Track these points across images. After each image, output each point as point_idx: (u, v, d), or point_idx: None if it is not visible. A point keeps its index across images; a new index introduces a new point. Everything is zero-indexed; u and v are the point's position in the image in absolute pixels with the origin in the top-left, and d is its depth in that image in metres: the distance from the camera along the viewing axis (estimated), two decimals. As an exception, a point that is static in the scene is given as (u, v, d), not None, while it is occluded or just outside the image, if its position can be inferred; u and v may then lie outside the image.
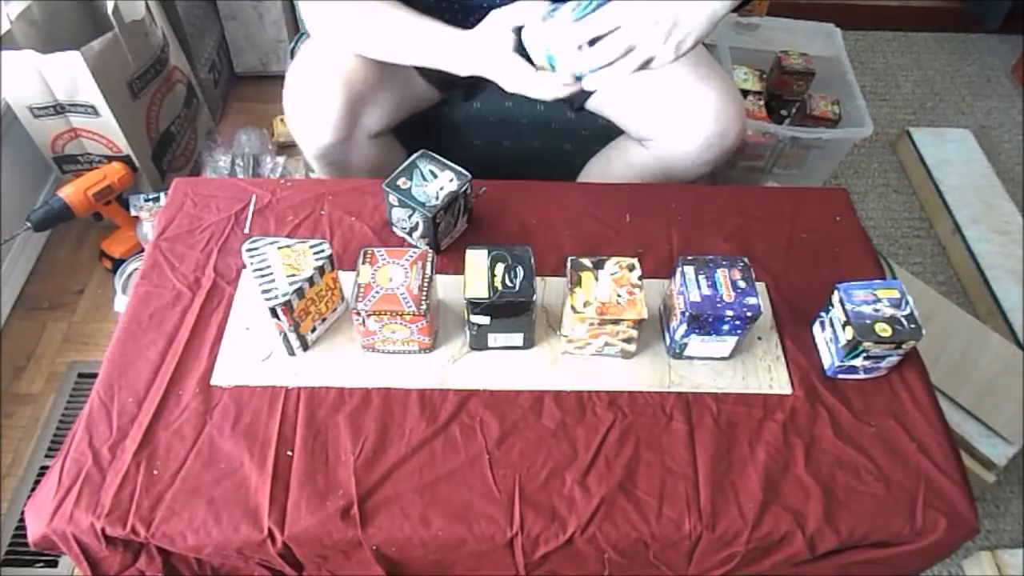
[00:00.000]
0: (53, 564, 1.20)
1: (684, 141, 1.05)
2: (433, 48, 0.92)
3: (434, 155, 0.94)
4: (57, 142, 1.46)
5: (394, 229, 0.98)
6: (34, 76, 1.34)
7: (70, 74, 1.33)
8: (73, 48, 1.30)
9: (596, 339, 0.84)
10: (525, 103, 1.21)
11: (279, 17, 1.86)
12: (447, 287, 0.91)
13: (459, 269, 0.83)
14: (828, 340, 0.86)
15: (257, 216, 1.00)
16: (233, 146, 1.70)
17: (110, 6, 1.37)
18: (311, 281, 0.81)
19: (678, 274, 0.84)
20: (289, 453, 0.78)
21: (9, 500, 1.26)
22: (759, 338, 0.90)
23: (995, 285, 1.55)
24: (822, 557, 0.78)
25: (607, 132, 1.19)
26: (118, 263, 1.51)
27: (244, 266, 0.91)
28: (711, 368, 0.87)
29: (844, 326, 0.81)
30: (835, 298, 0.84)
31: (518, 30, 0.85)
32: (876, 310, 0.81)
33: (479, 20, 0.90)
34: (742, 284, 0.82)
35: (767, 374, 0.86)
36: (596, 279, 0.82)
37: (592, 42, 0.79)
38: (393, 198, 0.91)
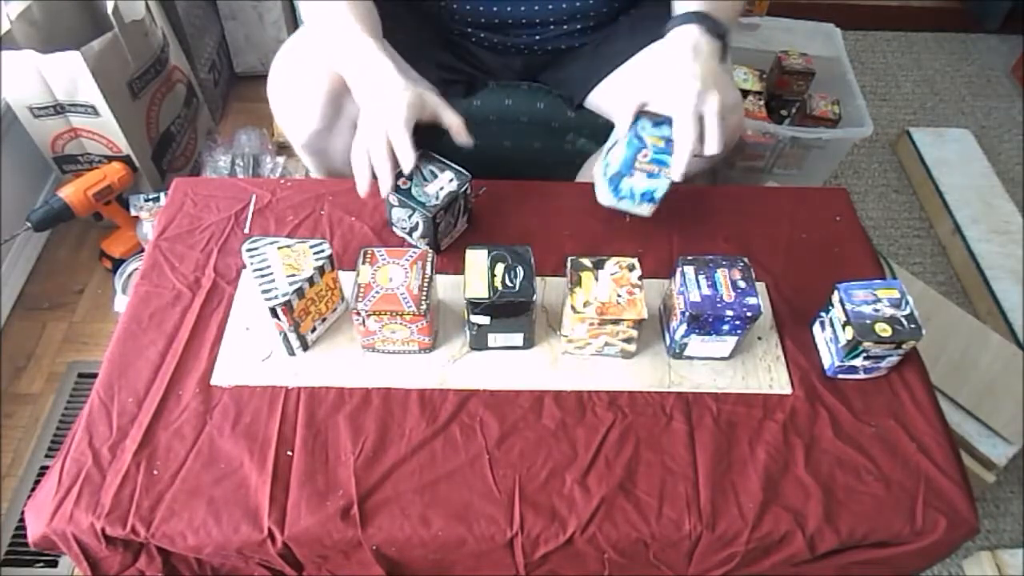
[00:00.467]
0: (53, 564, 1.20)
1: None
2: (344, 62, 0.91)
3: (434, 155, 0.93)
4: (57, 142, 1.46)
5: (394, 229, 0.98)
6: (34, 76, 1.34)
7: (70, 74, 1.34)
8: (73, 48, 1.31)
9: (596, 339, 0.84)
10: (525, 100, 1.21)
11: (279, 17, 1.86)
12: (447, 287, 0.91)
13: (459, 269, 0.83)
14: (828, 340, 0.86)
15: (257, 216, 1.00)
16: (233, 146, 1.70)
17: (110, 6, 1.37)
18: (311, 281, 0.81)
19: (678, 274, 0.84)
20: (289, 453, 0.78)
21: (9, 500, 1.26)
22: (759, 338, 0.90)
23: (995, 285, 1.55)
24: (822, 557, 0.78)
25: (607, 131, 1.18)
26: (118, 263, 1.51)
27: (244, 266, 0.91)
28: (711, 368, 0.87)
29: (844, 326, 0.81)
30: (835, 298, 0.84)
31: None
32: (876, 310, 0.81)
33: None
34: (742, 284, 0.82)
35: (767, 374, 0.86)
36: (596, 279, 0.82)
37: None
38: (393, 198, 0.91)
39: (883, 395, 0.85)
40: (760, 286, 0.94)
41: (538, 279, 0.83)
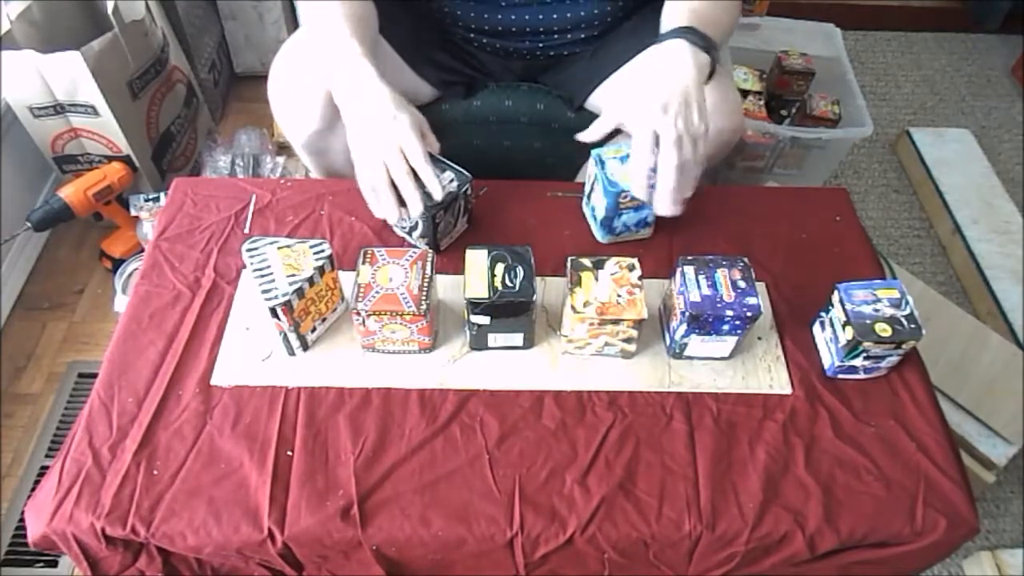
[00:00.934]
0: (53, 564, 1.20)
1: None
2: (337, 84, 0.90)
3: (434, 155, 0.93)
4: (57, 142, 1.47)
5: (394, 229, 0.98)
6: (34, 76, 1.34)
7: (70, 74, 1.34)
8: (73, 48, 1.31)
9: (596, 339, 0.84)
10: (525, 101, 1.21)
11: (279, 17, 1.86)
12: (447, 287, 0.91)
13: (459, 269, 0.83)
14: (828, 340, 0.86)
15: (257, 216, 1.00)
16: (233, 146, 1.70)
17: (110, 6, 1.37)
18: (311, 281, 0.81)
19: (678, 274, 0.84)
20: (289, 453, 0.78)
21: (9, 500, 1.26)
22: (759, 338, 0.90)
23: (995, 285, 1.55)
24: (822, 557, 0.78)
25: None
26: (118, 263, 1.51)
27: (244, 266, 0.91)
28: (711, 368, 0.87)
29: (844, 326, 0.81)
30: (835, 298, 0.84)
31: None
32: (876, 310, 0.81)
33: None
34: (742, 284, 0.82)
35: (767, 374, 0.86)
36: (596, 279, 0.82)
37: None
38: None
39: (883, 395, 0.85)
40: (760, 286, 0.94)
41: (538, 279, 0.83)
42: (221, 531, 0.73)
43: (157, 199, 1.45)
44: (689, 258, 0.85)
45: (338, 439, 0.79)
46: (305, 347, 0.86)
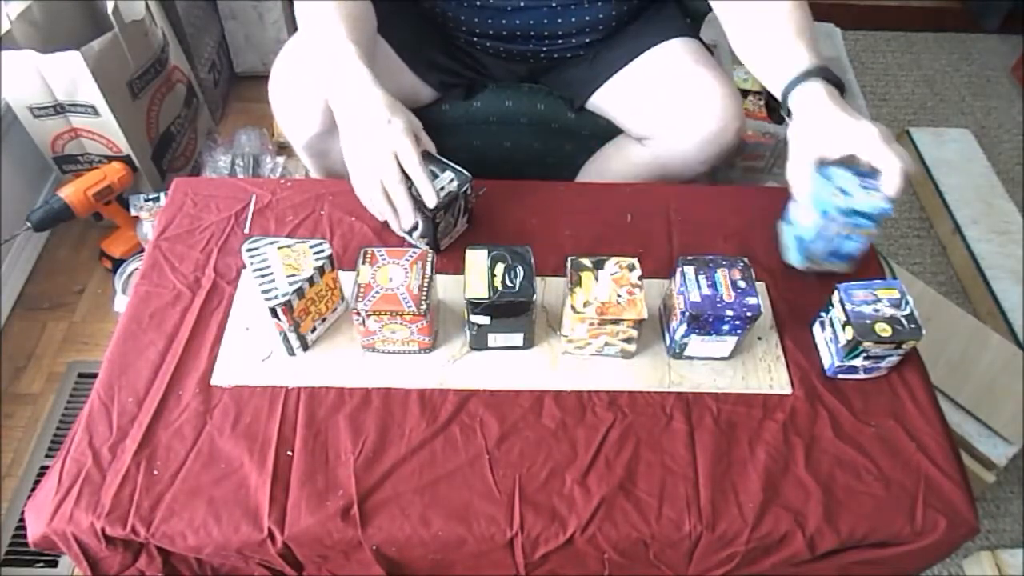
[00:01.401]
0: (53, 564, 1.20)
1: (683, 140, 1.05)
2: (333, 89, 0.90)
3: (435, 155, 0.94)
4: (57, 142, 1.47)
5: (393, 229, 0.98)
6: (34, 76, 1.34)
7: (70, 74, 1.34)
8: (73, 48, 1.31)
9: (596, 339, 0.84)
10: (525, 102, 1.21)
11: (279, 17, 1.86)
12: (447, 287, 0.91)
13: (459, 269, 0.83)
14: (828, 340, 0.86)
15: (257, 216, 1.00)
16: (233, 146, 1.70)
17: (110, 6, 1.37)
18: (311, 281, 0.81)
19: (678, 274, 0.84)
20: (289, 453, 0.78)
21: (9, 500, 1.26)
22: (759, 338, 0.90)
23: (995, 285, 1.55)
24: (822, 557, 0.78)
25: (607, 132, 1.19)
26: (118, 263, 1.51)
27: (244, 266, 0.91)
28: (711, 368, 0.87)
29: (844, 326, 0.81)
30: (835, 298, 0.84)
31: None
32: (876, 310, 0.81)
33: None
34: (742, 284, 0.82)
35: (767, 374, 0.86)
36: (596, 279, 0.82)
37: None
38: None
39: (883, 395, 0.85)
40: (760, 286, 0.94)
41: (538, 279, 0.83)
42: (221, 531, 0.73)
43: (157, 199, 1.45)
44: (689, 258, 0.85)
45: (338, 439, 0.79)
46: (305, 347, 0.86)
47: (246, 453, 0.78)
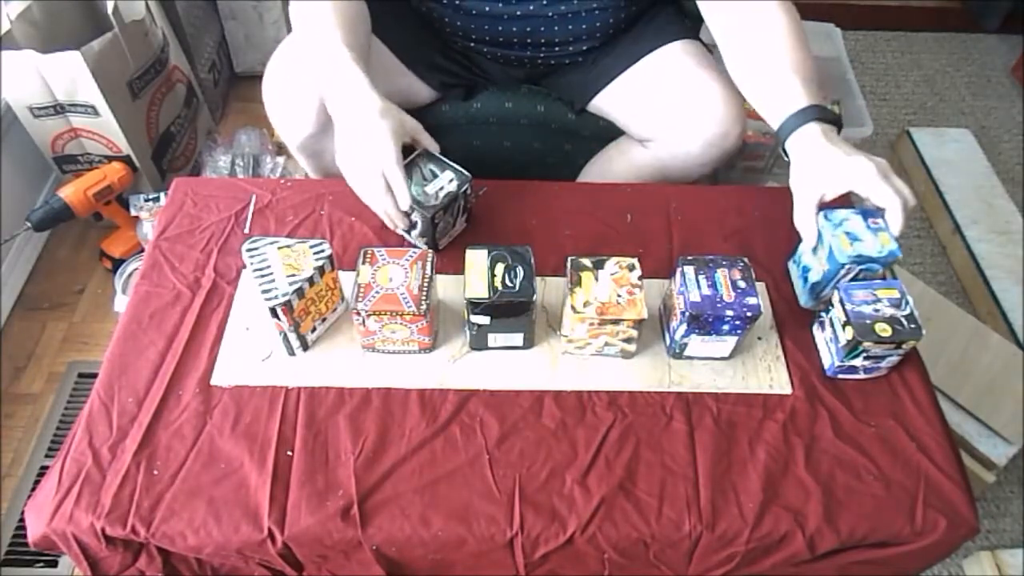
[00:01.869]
0: (53, 564, 1.20)
1: (685, 142, 1.05)
2: (334, 92, 0.90)
3: (434, 154, 0.94)
4: (57, 142, 1.46)
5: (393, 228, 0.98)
6: (34, 76, 1.34)
7: (70, 74, 1.34)
8: (73, 48, 1.30)
9: (596, 339, 0.84)
10: (525, 103, 1.21)
11: (279, 17, 1.86)
12: (447, 287, 0.91)
13: (459, 269, 0.83)
14: (828, 340, 0.86)
15: (257, 216, 1.00)
16: (233, 146, 1.70)
17: (110, 6, 1.37)
18: (311, 281, 0.81)
19: (678, 274, 0.84)
20: (289, 453, 0.78)
21: (9, 500, 1.26)
22: (759, 338, 0.90)
23: (995, 285, 1.55)
24: (822, 557, 0.78)
25: (607, 133, 1.19)
26: (118, 263, 1.51)
27: (244, 266, 0.91)
28: (711, 368, 0.87)
29: (844, 326, 0.81)
30: (835, 298, 0.83)
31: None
32: (876, 310, 0.81)
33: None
34: (742, 284, 0.82)
35: (767, 374, 0.86)
36: (596, 279, 0.82)
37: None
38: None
39: (883, 395, 0.85)
40: (760, 286, 0.94)
41: (538, 279, 0.83)
42: (221, 531, 0.73)
43: (157, 199, 1.45)
44: (689, 258, 0.85)
45: (338, 439, 0.79)
46: (305, 347, 0.86)
47: (246, 453, 0.78)
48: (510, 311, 0.82)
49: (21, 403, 1.38)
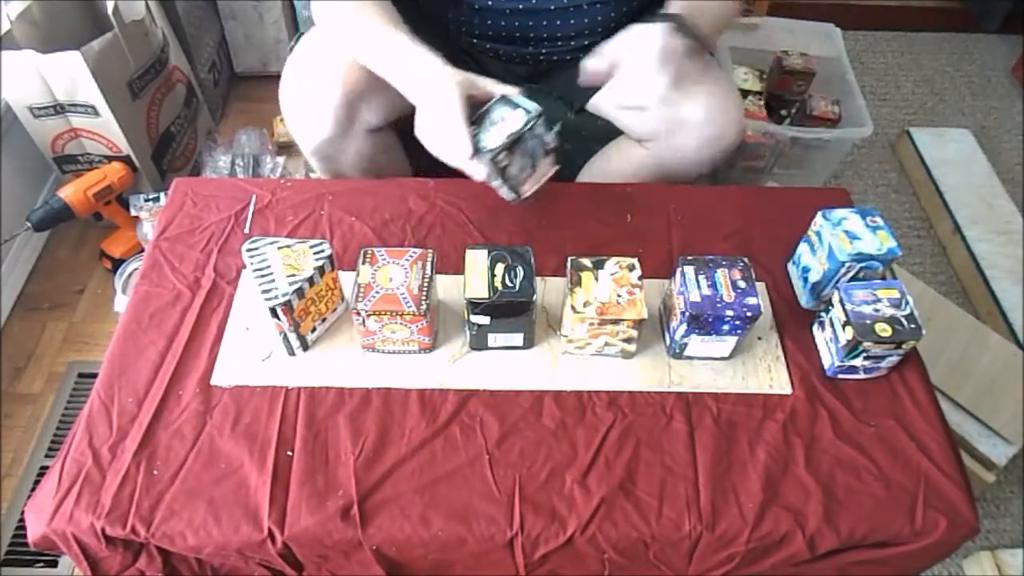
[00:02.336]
0: (53, 564, 1.20)
1: (683, 143, 1.05)
2: (393, 69, 0.92)
3: (513, 97, 0.88)
4: (57, 142, 1.46)
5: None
6: (34, 76, 1.34)
7: (70, 74, 1.33)
8: (73, 48, 1.30)
9: (596, 339, 0.84)
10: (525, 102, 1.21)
11: (279, 17, 1.86)
12: (447, 287, 0.91)
13: (459, 269, 0.83)
14: (828, 340, 0.86)
15: (257, 216, 1.00)
16: (233, 146, 1.70)
17: (110, 6, 1.37)
18: (311, 281, 0.81)
19: (678, 274, 0.84)
20: (289, 453, 0.78)
21: (9, 500, 1.26)
22: (759, 338, 0.90)
23: (995, 285, 1.55)
24: (822, 557, 0.78)
25: (607, 133, 1.18)
26: (118, 263, 1.51)
27: (244, 266, 0.91)
28: (711, 368, 0.87)
29: (844, 326, 0.81)
30: (835, 298, 0.84)
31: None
32: (876, 310, 0.81)
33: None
34: (742, 284, 0.82)
35: (767, 374, 0.86)
36: (596, 279, 0.82)
37: None
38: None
39: (883, 395, 0.85)
40: (760, 286, 0.94)
41: (538, 279, 0.83)
42: (221, 531, 0.73)
43: (157, 199, 1.45)
44: (689, 258, 0.85)
45: (338, 439, 0.79)
46: (305, 347, 0.86)
47: (246, 453, 0.78)
48: (510, 311, 0.82)
49: (21, 403, 1.38)
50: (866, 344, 0.79)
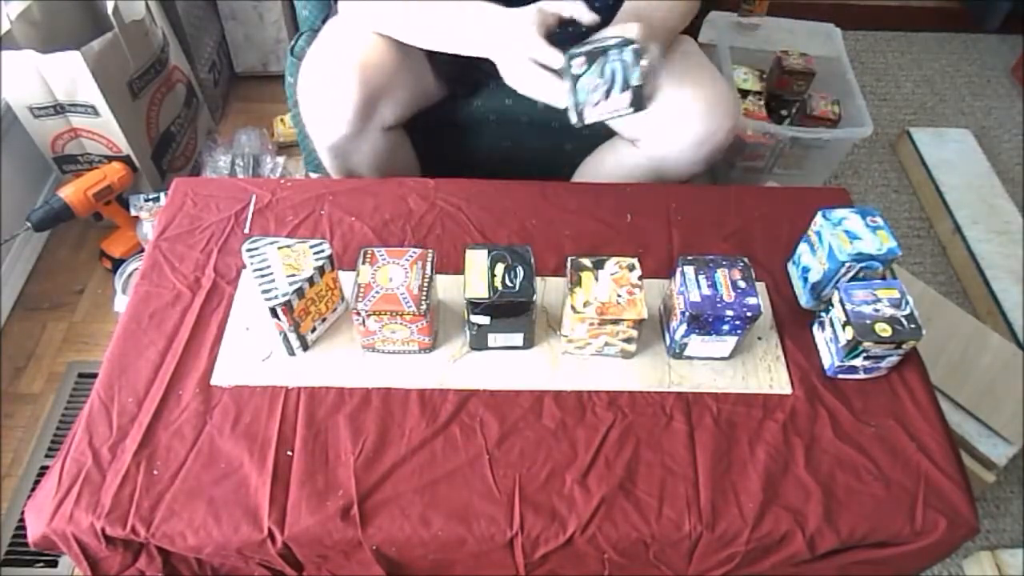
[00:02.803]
0: (53, 564, 1.20)
1: (673, 141, 1.05)
2: (457, 18, 0.92)
3: (594, 32, 0.86)
4: (57, 142, 1.46)
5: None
6: (34, 76, 1.34)
7: (70, 74, 1.33)
8: (73, 48, 1.30)
9: (596, 339, 0.84)
10: (525, 102, 1.21)
11: (279, 17, 1.86)
12: (447, 287, 0.91)
13: (459, 269, 0.83)
14: (828, 340, 0.86)
15: (257, 216, 1.00)
16: (233, 146, 1.70)
17: (110, 6, 1.37)
18: (311, 281, 0.81)
19: (678, 274, 0.84)
20: (289, 453, 0.78)
21: (9, 500, 1.26)
22: (759, 338, 0.90)
23: (995, 285, 1.55)
24: (822, 557, 0.78)
25: (607, 132, 1.18)
26: (118, 263, 1.51)
27: (244, 266, 0.91)
28: (711, 368, 0.87)
29: (844, 326, 0.81)
30: (835, 298, 0.84)
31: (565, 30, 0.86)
32: (876, 310, 0.81)
33: None
34: (742, 284, 0.82)
35: (767, 374, 0.86)
36: (596, 279, 0.82)
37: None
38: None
39: (883, 395, 0.85)
40: (760, 286, 0.94)
41: (538, 279, 0.83)
42: (221, 531, 0.73)
43: (157, 199, 1.45)
44: (689, 258, 0.85)
45: (338, 439, 0.79)
46: (305, 347, 0.86)
47: (246, 453, 0.78)
48: (510, 311, 0.82)
49: (21, 403, 1.38)
50: (866, 344, 0.79)
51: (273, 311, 0.79)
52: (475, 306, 0.81)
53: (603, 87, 0.83)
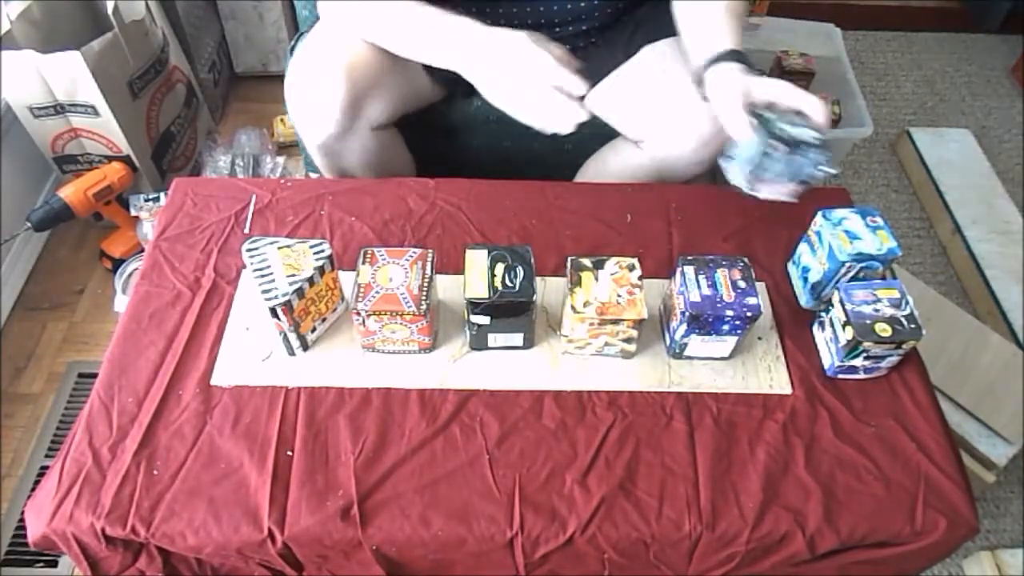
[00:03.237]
0: (53, 564, 1.20)
1: (677, 142, 1.05)
2: (441, 37, 0.92)
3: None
4: (57, 142, 1.46)
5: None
6: (34, 76, 1.34)
7: (70, 74, 1.33)
8: (73, 48, 1.30)
9: (596, 339, 0.84)
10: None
11: (279, 17, 1.86)
12: (447, 287, 0.91)
13: (459, 269, 0.83)
14: (828, 340, 0.86)
15: (257, 216, 1.00)
16: (233, 146, 1.70)
17: (110, 6, 1.37)
18: (311, 281, 0.81)
19: (678, 274, 0.84)
20: (289, 453, 0.78)
21: (9, 500, 1.26)
22: (759, 338, 0.90)
23: (995, 285, 1.55)
24: (822, 557, 0.78)
25: (607, 132, 1.18)
26: (118, 263, 1.51)
27: (244, 266, 0.91)
28: (711, 368, 0.87)
29: (844, 326, 0.81)
30: (835, 298, 0.84)
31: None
32: (876, 310, 0.81)
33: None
34: (742, 284, 0.82)
35: (767, 374, 0.86)
36: (596, 279, 0.82)
37: None
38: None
39: (883, 395, 0.85)
40: (760, 286, 0.94)
41: (538, 279, 0.83)
42: (221, 531, 0.73)
43: (157, 199, 1.45)
44: (689, 258, 0.85)
45: (338, 439, 0.79)
46: (305, 347, 0.86)
47: (246, 453, 0.78)
48: (510, 311, 0.82)
49: (21, 403, 1.38)
50: (866, 344, 0.79)
51: (273, 311, 0.79)
52: (475, 306, 0.81)
53: (784, 172, 0.84)
